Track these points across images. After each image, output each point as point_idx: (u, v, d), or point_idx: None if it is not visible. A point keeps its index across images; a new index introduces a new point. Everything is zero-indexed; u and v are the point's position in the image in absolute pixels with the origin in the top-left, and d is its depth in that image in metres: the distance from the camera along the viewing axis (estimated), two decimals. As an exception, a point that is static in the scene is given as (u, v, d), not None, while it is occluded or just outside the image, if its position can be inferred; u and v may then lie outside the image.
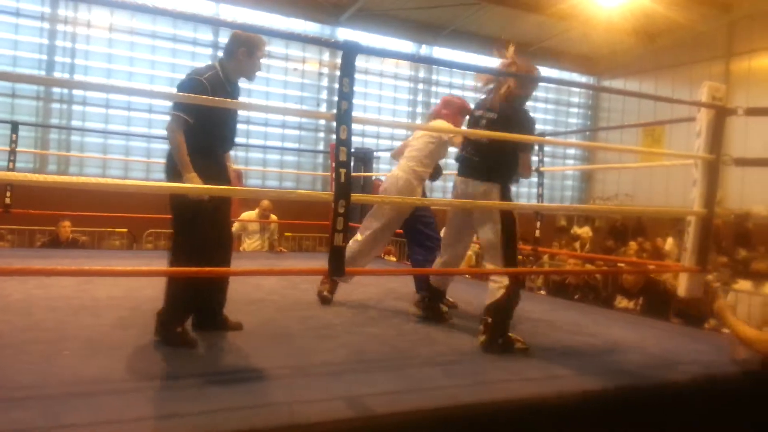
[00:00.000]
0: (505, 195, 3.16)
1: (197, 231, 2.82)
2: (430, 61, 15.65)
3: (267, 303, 3.93)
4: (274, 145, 12.32)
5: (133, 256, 6.97)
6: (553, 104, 16.82)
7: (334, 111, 2.34)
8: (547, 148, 5.92)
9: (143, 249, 8.75)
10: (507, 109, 3.12)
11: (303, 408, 2.03)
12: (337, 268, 2.40)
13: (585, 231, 12.10)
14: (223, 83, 2.93)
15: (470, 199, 3.21)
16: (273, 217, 7.68)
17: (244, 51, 2.97)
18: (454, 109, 4.02)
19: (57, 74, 11.13)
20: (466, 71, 13.50)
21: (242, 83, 3.11)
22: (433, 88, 14.15)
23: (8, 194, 5.96)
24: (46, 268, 2.00)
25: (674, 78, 14.77)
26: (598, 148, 17.30)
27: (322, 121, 12.89)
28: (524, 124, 3.10)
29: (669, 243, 9.97)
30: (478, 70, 3.65)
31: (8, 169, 5.84)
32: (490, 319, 3.02)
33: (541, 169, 5.27)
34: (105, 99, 11.34)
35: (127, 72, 11.44)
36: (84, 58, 11.31)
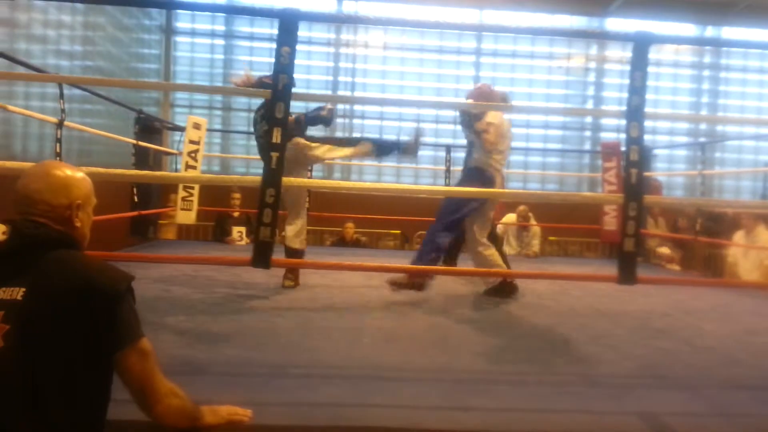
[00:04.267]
0: None
1: None
2: (731, 44, 13.68)
3: (541, 308, 3.88)
4: (535, 147, 12.14)
5: (407, 255, 7.49)
6: None
7: (614, 108, 2.21)
8: None
9: (413, 249, 9.37)
10: None
11: (593, 419, 1.95)
12: (628, 274, 2.25)
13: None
14: None
15: None
16: (533, 221, 7.58)
17: None
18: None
19: (341, 92, 12.57)
20: (765, 50, 11.62)
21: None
22: (723, 74, 12.45)
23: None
24: (355, 264, 2.25)
25: None
26: None
27: (588, 119, 12.29)
28: None
29: None
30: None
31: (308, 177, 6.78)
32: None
33: None
34: (379, 112, 12.45)
35: (398, 86, 12.39)
36: (362, 76, 12.58)
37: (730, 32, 12.20)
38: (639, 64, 2.18)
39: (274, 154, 2.05)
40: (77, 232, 1.52)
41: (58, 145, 4.08)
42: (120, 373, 1.44)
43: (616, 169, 6.73)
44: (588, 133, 12.37)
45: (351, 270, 4.75)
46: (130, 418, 1.57)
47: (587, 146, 12.07)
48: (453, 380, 2.32)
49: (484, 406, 2.03)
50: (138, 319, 1.47)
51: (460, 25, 4.78)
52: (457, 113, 4.21)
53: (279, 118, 2.06)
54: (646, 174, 7.68)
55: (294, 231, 4.22)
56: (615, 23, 12.00)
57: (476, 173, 3.97)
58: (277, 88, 2.06)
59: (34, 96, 5.27)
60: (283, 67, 2.04)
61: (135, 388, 1.46)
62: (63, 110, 4.11)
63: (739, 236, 6.60)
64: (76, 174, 1.54)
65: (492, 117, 3.93)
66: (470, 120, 3.94)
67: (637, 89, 2.17)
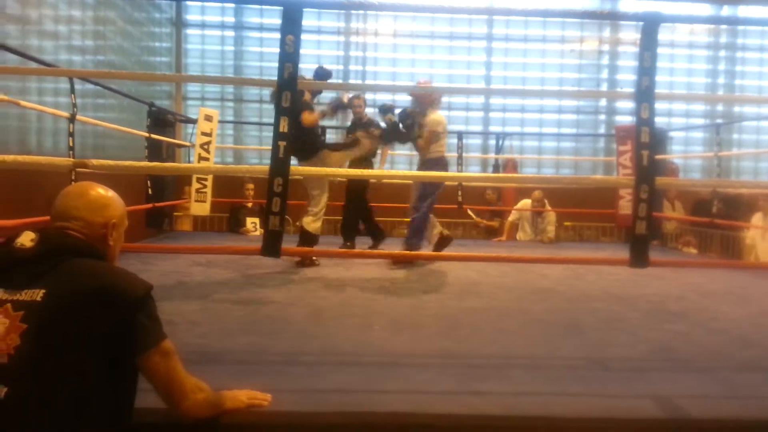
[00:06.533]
0: None
1: None
2: (741, 22, 13.33)
3: (554, 293, 3.87)
4: (549, 132, 12.02)
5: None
6: None
7: (625, 90, 2.18)
8: None
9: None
10: None
11: (605, 403, 1.94)
12: (639, 258, 2.23)
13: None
14: None
15: None
16: (548, 206, 7.52)
17: None
18: None
19: (351, 81, 12.54)
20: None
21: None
22: (739, 54, 12.19)
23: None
24: (365, 252, 2.25)
25: None
26: None
27: (603, 103, 12.14)
28: None
29: None
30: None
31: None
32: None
33: None
34: (391, 100, 12.41)
35: (409, 73, 12.33)
36: (373, 64, 12.54)
37: (746, 11, 11.95)
38: (648, 44, 2.15)
39: (281, 143, 2.06)
40: (109, 250, 1.57)
41: (71, 139, 4.12)
42: (145, 374, 1.49)
43: (630, 152, 6.64)
44: (603, 117, 12.24)
45: (361, 258, 4.77)
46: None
47: (602, 130, 11.94)
48: (464, 365, 2.33)
49: (495, 390, 2.03)
50: (160, 323, 1.51)
51: (470, 9, 4.83)
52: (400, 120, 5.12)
53: (285, 108, 2.06)
54: (663, 157, 7.59)
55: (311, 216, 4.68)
56: (628, 4, 11.81)
57: (439, 161, 4.87)
58: (282, 77, 2.06)
59: (47, 92, 5.32)
60: (288, 55, 2.04)
61: (161, 387, 1.52)
62: (74, 105, 4.15)
63: (757, 218, 6.52)
64: (111, 195, 1.61)
65: (434, 122, 4.86)
66: (409, 128, 4.94)
67: (647, 69, 2.14)
